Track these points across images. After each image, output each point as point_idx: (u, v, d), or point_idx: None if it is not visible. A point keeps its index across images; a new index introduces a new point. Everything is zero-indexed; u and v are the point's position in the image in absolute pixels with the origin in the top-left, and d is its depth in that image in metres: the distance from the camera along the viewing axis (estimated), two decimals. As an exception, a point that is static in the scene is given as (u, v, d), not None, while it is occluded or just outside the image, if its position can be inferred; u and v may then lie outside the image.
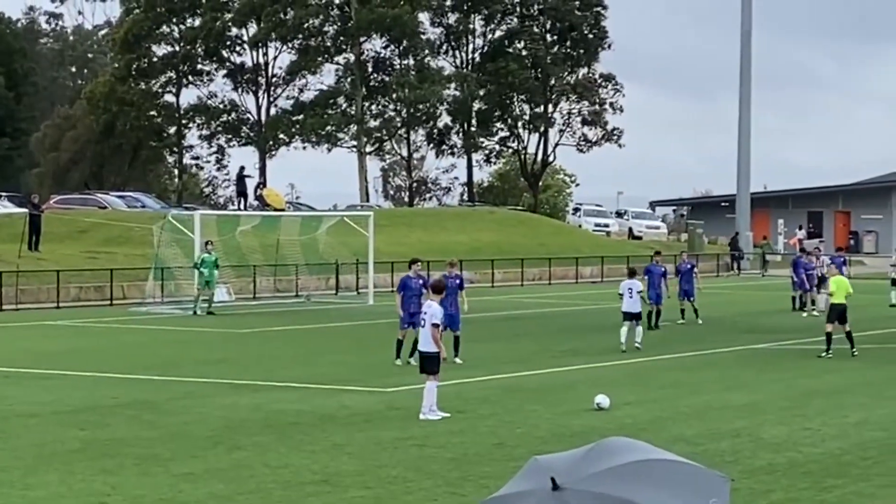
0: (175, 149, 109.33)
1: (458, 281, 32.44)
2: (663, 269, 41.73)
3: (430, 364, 22.74)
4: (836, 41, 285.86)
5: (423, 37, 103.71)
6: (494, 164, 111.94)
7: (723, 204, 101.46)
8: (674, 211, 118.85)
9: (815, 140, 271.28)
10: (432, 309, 22.91)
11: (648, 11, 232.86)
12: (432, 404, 22.48)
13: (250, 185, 65.97)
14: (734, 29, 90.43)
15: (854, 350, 32.66)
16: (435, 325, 22.69)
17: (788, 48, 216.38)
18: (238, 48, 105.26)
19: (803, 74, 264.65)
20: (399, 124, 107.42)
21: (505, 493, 5.86)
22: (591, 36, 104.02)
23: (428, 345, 22.84)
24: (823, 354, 32.33)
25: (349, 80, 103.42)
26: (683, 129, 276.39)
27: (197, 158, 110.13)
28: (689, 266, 44.21)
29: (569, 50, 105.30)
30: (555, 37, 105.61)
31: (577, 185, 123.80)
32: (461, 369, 29.59)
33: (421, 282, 30.69)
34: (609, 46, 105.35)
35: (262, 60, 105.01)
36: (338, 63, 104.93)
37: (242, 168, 67.96)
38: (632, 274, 35.71)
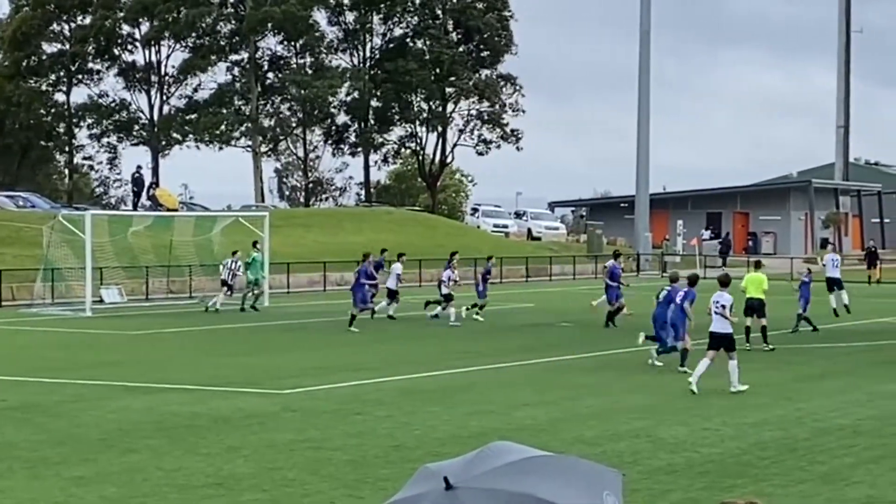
0: (66, 148, 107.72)
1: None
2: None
3: (727, 343, 26.54)
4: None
5: (319, 34, 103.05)
6: (393, 163, 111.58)
7: (622, 205, 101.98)
8: (573, 212, 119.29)
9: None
10: (724, 298, 26.67)
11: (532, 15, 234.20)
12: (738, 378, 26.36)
13: (145, 184, 65.38)
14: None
15: (769, 346, 35.31)
16: (726, 308, 26.58)
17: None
18: (130, 46, 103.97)
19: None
20: (294, 123, 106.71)
21: (397, 499, 5.81)
22: (497, 39, 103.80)
23: (723, 327, 26.52)
24: (745, 345, 34.55)
25: (242, 79, 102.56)
26: (573, 131, 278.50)
27: (88, 158, 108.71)
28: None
29: (473, 51, 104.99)
30: (459, 37, 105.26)
31: (475, 184, 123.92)
32: (358, 370, 29.33)
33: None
34: (515, 52, 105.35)
35: (154, 59, 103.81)
36: (232, 62, 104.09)
37: (139, 168, 67.15)
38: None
